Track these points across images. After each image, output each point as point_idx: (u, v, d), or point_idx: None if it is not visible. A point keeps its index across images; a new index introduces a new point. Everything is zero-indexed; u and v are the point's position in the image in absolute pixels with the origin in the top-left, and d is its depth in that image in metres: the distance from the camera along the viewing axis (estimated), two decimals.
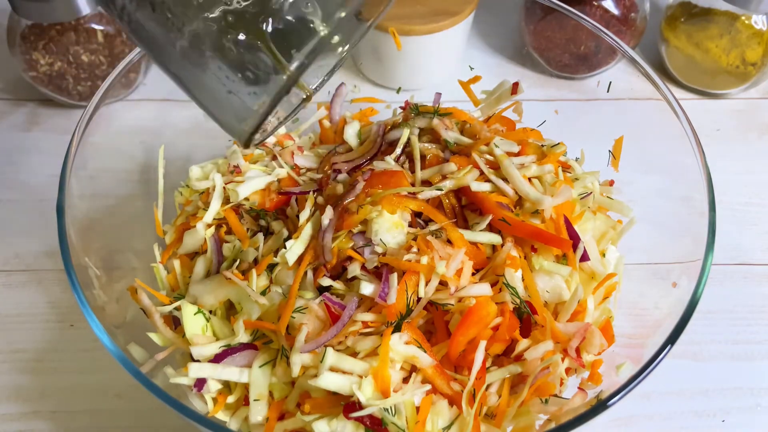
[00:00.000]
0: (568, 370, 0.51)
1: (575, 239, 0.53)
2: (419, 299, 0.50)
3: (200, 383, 0.49)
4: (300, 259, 0.53)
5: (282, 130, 0.68)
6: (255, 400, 0.49)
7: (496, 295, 0.51)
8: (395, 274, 0.49)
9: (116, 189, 0.58)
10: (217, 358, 0.50)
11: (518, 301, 0.51)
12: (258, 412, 0.49)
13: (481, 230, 0.53)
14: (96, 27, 0.74)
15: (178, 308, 0.52)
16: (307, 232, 0.53)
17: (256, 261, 0.55)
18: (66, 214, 0.48)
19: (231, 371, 0.50)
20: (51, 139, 0.79)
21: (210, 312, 0.54)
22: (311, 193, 0.57)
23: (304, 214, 0.54)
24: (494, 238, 0.53)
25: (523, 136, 0.61)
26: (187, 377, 0.49)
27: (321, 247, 0.52)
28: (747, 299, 0.69)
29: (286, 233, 0.55)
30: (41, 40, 0.74)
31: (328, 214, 0.53)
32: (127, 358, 0.44)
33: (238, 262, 0.55)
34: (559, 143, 0.59)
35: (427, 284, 0.50)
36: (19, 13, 0.72)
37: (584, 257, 0.54)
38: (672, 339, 0.46)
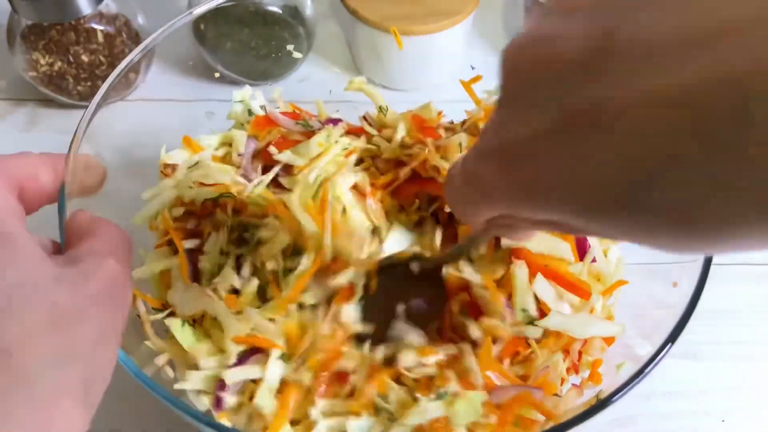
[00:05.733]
0: (568, 370, 0.51)
1: (583, 243, 0.53)
2: None
3: (219, 402, 0.48)
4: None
5: None
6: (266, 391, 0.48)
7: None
8: None
9: (116, 189, 0.58)
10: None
11: (531, 317, 0.50)
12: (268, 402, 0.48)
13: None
14: (96, 27, 0.74)
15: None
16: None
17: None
18: (66, 215, 0.48)
19: (254, 369, 0.48)
20: (51, 139, 0.79)
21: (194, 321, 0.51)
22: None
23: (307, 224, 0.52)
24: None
25: None
26: (208, 395, 0.48)
27: None
28: (747, 299, 0.69)
29: (285, 240, 0.51)
30: (41, 40, 0.74)
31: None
32: (129, 359, 0.44)
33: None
34: None
35: None
36: (19, 13, 0.71)
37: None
38: (672, 339, 0.46)
